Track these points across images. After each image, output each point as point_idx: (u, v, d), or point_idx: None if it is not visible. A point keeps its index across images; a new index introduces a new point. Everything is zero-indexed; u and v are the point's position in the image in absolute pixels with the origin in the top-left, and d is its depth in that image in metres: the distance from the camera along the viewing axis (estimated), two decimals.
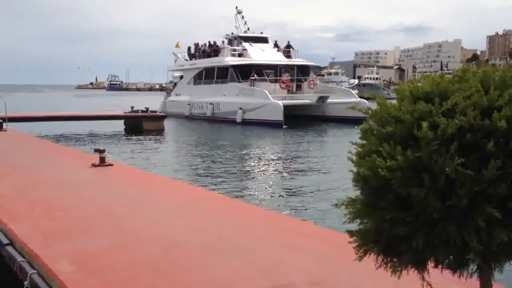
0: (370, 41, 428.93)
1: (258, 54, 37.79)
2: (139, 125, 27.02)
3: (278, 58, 38.63)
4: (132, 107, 28.41)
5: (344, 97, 34.40)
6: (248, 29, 41.37)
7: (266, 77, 35.62)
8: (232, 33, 41.00)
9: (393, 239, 2.32)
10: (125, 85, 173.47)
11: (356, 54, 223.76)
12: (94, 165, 10.13)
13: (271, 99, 31.18)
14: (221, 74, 37.80)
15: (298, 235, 5.55)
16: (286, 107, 30.70)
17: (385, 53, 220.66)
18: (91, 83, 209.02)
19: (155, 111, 28.64)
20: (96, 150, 10.64)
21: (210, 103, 36.43)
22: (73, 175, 9.36)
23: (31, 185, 8.38)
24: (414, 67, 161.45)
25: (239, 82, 35.66)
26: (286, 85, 35.53)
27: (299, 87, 37.09)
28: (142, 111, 28.03)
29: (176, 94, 44.24)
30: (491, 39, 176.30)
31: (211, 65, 39.43)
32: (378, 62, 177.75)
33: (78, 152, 14.50)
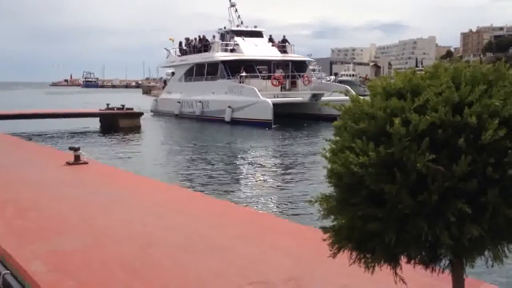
0: (346, 38, 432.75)
1: (251, 49, 35.53)
2: (115, 122, 26.73)
3: (272, 53, 36.24)
4: (107, 104, 28.09)
5: (341, 94, 31.95)
6: (242, 23, 39.14)
7: (258, 73, 33.53)
8: (224, 27, 38.66)
9: (366, 235, 2.33)
10: (101, 82, 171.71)
11: (333, 51, 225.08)
12: (68, 164, 10.00)
13: (260, 96, 29.13)
14: (212, 71, 35.67)
15: (275, 233, 5.56)
16: (277, 105, 28.88)
17: (361, 50, 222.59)
18: (66, 80, 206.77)
19: (131, 108, 28.30)
20: (71, 148, 10.51)
21: (200, 101, 34.51)
22: (46, 174, 9.22)
23: (3, 185, 8.24)
24: (389, 64, 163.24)
25: (228, 78, 33.37)
26: (279, 82, 33.40)
27: (293, 84, 34.98)
28: (118, 108, 27.72)
29: (168, 92, 41.87)
30: (465, 36, 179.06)
31: (201, 61, 37.30)
32: (354, 58, 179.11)
33: (52, 150, 14.31)
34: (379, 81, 2.49)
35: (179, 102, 37.38)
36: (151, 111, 40.73)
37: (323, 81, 41.72)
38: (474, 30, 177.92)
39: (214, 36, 38.39)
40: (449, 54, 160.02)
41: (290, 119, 30.48)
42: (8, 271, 4.56)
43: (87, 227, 5.77)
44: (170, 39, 43.94)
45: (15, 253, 4.79)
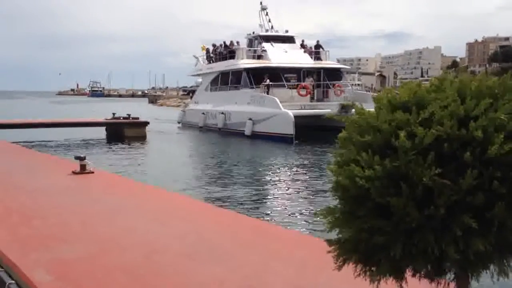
0: (352, 47, 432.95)
1: (279, 56, 32.26)
2: (120, 132, 26.78)
3: (302, 60, 32.80)
4: (113, 114, 28.18)
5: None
6: (272, 27, 36.08)
7: (284, 82, 30.44)
8: (253, 32, 35.56)
9: (372, 248, 2.33)
10: (107, 91, 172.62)
11: (338, 61, 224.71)
12: (74, 173, 10.02)
13: (281, 108, 26.05)
14: (236, 79, 32.68)
15: (279, 242, 5.56)
16: (304, 117, 26.20)
17: (367, 60, 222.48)
18: (72, 90, 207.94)
19: (137, 118, 28.36)
20: (77, 158, 10.53)
21: (222, 113, 31.62)
22: (52, 182, 9.25)
23: (9, 193, 8.26)
24: (395, 74, 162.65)
25: (251, 88, 30.31)
26: (307, 91, 30.08)
27: (326, 94, 31.92)
28: (124, 118, 27.80)
29: (195, 102, 39.33)
30: (470, 46, 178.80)
31: (225, 69, 34.34)
32: (359, 68, 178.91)
33: (59, 159, 14.34)
34: (384, 94, 2.49)
35: (203, 113, 34.74)
36: (178, 122, 39.43)
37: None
38: (479, 40, 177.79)
39: (238, 42, 35.97)
40: (454, 64, 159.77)
41: (318, 132, 27.01)
42: (13, 281, 4.57)
43: (91, 235, 5.78)
44: (203, 47, 40.89)
45: (20, 262, 4.79)
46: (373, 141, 2.30)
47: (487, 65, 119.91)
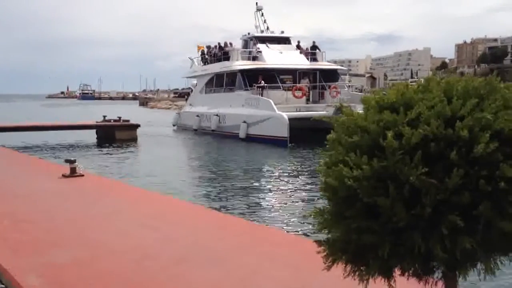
0: (342, 49, 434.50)
1: (274, 57, 31.72)
2: (111, 134, 26.68)
3: (298, 61, 32.21)
4: (104, 116, 28.07)
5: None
6: (267, 28, 35.50)
7: (279, 84, 29.92)
8: (248, 33, 34.85)
9: (361, 248, 2.35)
10: (98, 94, 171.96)
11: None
12: (64, 176, 9.98)
13: (275, 110, 25.61)
14: (231, 81, 32.27)
15: (273, 244, 5.57)
16: (299, 120, 25.30)
17: (357, 62, 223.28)
18: (62, 92, 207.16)
19: (128, 120, 28.25)
20: (67, 161, 10.50)
21: (216, 115, 31.20)
22: (42, 186, 9.20)
23: None
24: (385, 75, 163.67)
25: (246, 90, 29.80)
26: (302, 93, 29.53)
27: (322, 96, 31.42)
28: (115, 120, 27.70)
29: (190, 104, 38.88)
30: (459, 48, 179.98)
31: (221, 71, 33.68)
32: (350, 70, 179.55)
33: (48, 163, 14.28)
34: (372, 95, 2.51)
35: (197, 115, 34.32)
36: (173, 125, 38.87)
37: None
38: (468, 41, 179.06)
39: (231, 44, 35.29)
40: (443, 65, 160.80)
41: (317, 133, 26.23)
42: (3, 286, 4.55)
43: (82, 240, 5.76)
44: (198, 47, 40.03)
45: (10, 267, 4.77)
46: (361, 142, 2.32)
47: (476, 66, 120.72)
